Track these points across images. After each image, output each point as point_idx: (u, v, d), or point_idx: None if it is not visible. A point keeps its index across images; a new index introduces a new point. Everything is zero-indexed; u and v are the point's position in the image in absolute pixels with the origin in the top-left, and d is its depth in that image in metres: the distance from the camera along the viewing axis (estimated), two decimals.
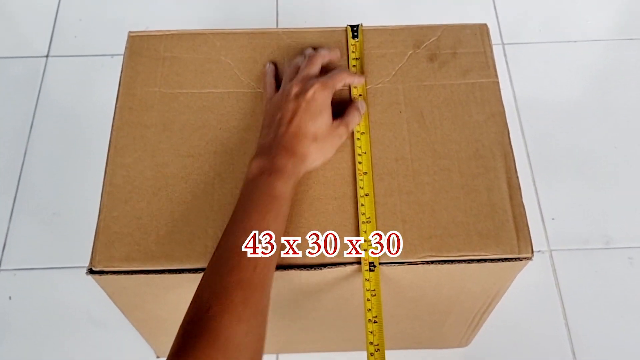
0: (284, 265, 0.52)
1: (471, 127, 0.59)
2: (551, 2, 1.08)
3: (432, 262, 0.53)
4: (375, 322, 0.52)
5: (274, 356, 0.78)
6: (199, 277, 0.52)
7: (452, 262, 0.52)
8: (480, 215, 0.54)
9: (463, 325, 0.69)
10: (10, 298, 0.81)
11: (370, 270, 0.53)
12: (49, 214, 0.87)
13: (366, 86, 0.61)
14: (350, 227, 0.54)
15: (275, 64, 0.62)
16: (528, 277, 0.79)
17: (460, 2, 1.07)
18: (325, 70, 0.60)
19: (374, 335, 0.52)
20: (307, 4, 1.09)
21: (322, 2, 1.10)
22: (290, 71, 0.60)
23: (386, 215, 0.54)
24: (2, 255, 0.83)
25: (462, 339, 0.74)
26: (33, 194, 0.88)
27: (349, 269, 0.53)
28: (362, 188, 0.56)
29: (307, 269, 0.52)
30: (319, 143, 0.54)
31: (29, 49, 1.02)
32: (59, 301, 0.80)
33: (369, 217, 0.54)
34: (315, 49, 0.63)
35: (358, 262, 0.53)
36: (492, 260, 0.53)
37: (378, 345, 0.52)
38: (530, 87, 0.94)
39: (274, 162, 0.51)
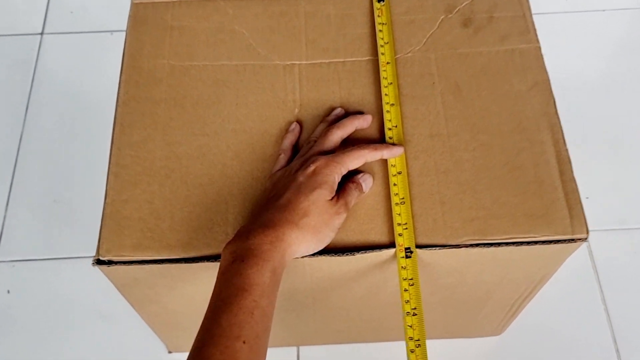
0: None
1: (512, 98, 0.53)
2: None
3: (476, 245, 0.48)
4: (414, 314, 0.47)
5: (294, 349, 0.73)
6: (218, 266, 0.48)
7: (498, 245, 0.48)
8: (527, 193, 0.49)
9: (500, 313, 0.64)
10: (8, 292, 0.75)
11: (407, 257, 0.48)
12: (49, 201, 0.81)
13: (395, 55, 0.56)
14: (382, 210, 0.49)
15: (301, 126, 0.53)
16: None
17: None
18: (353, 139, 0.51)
19: (413, 330, 0.47)
20: None
21: None
22: (306, 146, 0.51)
23: (423, 196, 0.49)
24: None
25: (497, 327, 0.70)
26: (31, 180, 0.83)
27: (384, 254, 0.48)
28: (394, 166, 0.51)
29: (337, 255, 0.47)
30: (310, 220, 0.44)
31: (22, 27, 0.96)
32: (62, 294, 0.75)
33: (403, 198, 0.49)
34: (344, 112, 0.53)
35: (392, 245, 0.48)
36: (542, 242, 0.48)
37: (419, 340, 0.47)
38: (558, 59, 0.88)
39: (247, 244, 0.42)
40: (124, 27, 0.95)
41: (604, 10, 0.97)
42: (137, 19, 0.58)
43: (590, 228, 0.80)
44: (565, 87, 0.87)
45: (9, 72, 0.92)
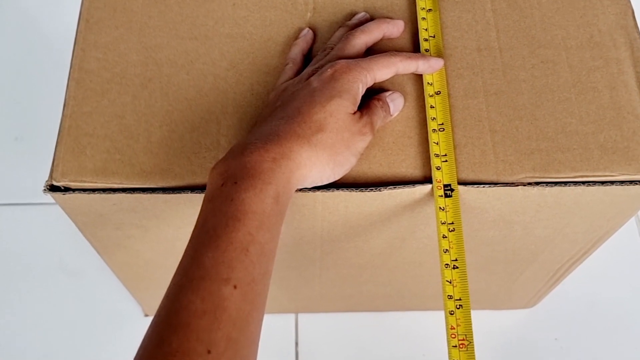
0: (323, 185, 0.37)
1: (581, 7, 0.43)
2: None
3: (537, 183, 0.37)
4: (455, 267, 0.37)
5: (292, 316, 0.63)
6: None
7: (564, 184, 0.37)
8: (602, 121, 0.39)
9: (541, 280, 0.54)
10: None
11: (447, 195, 0.37)
12: (10, 138, 0.70)
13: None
14: (415, 138, 0.39)
15: (315, 33, 0.42)
16: None
17: None
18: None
19: (454, 287, 0.37)
20: None
21: None
22: (321, 53, 0.40)
23: (468, 122, 0.39)
24: None
25: (532, 299, 0.60)
26: None
27: (417, 192, 0.38)
28: (432, 84, 0.40)
29: (358, 190, 0.37)
30: (327, 137, 0.34)
31: None
32: (22, 243, 0.65)
33: (442, 124, 0.39)
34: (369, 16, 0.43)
35: (428, 181, 0.37)
36: (620, 182, 0.37)
37: (460, 300, 0.37)
38: None
39: (242, 162, 0.32)
40: None
41: None
42: None
43: None
44: None
45: None
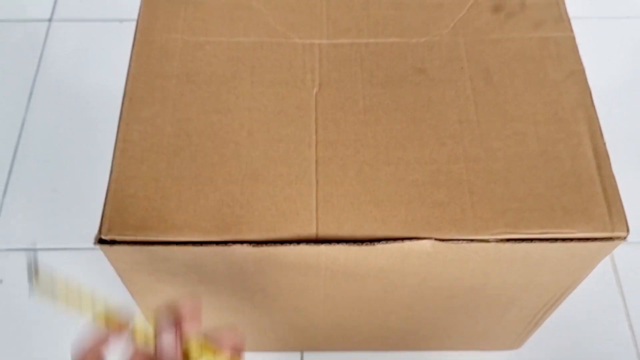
0: (326, 239, 0.43)
1: (547, 87, 0.50)
2: None
3: (508, 240, 0.44)
4: None
5: (298, 354, 0.69)
6: (227, 251, 0.44)
7: (532, 240, 0.44)
8: (564, 186, 0.45)
9: (522, 322, 0.60)
10: (1, 281, 0.72)
11: None
12: (48, 190, 0.78)
13: (422, 38, 0.53)
14: (405, 197, 0.45)
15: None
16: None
17: None
18: None
19: None
20: None
21: None
22: None
23: (450, 184, 0.46)
24: None
25: (516, 340, 0.66)
26: (30, 168, 0.79)
27: (406, 246, 0.44)
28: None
29: (355, 244, 0.43)
30: None
31: (31, 12, 0.93)
32: None
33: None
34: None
35: (415, 237, 0.44)
36: (579, 239, 0.44)
37: None
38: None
39: None
40: (134, 16, 0.92)
41: (628, 18, 0.94)
42: None
43: None
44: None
45: (14, 57, 0.89)
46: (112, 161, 0.47)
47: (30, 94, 0.85)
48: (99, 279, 0.71)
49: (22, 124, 0.83)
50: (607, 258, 0.74)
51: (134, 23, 0.92)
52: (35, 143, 0.81)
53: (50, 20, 0.92)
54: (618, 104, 0.86)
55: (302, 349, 0.68)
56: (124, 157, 0.47)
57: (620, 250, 0.72)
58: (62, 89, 0.86)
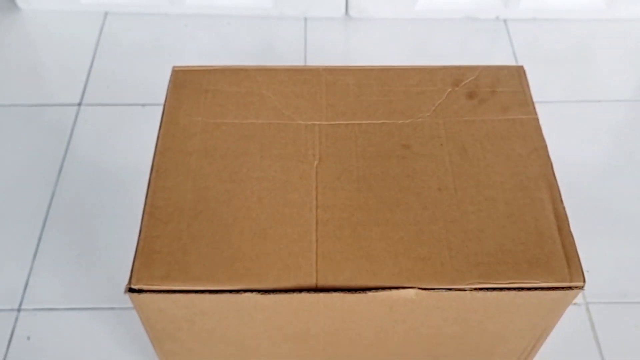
0: (325, 289, 0.51)
1: (514, 160, 0.58)
2: (573, 63, 1.11)
3: (481, 289, 0.51)
4: None
5: None
6: (240, 299, 0.51)
7: (501, 289, 0.51)
8: (529, 243, 0.53)
9: None
10: (28, 338, 0.78)
11: None
12: (74, 255, 0.85)
13: (407, 120, 0.62)
14: (394, 252, 0.53)
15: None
16: (566, 330, 0.77)
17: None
18: None
19: None
20: (334, 48, 1.13)
21: (347, 45, 1.15)
22: None
23: (432, 242, 0.53)
24: (23, 295, 0.81)
25: None
26: (58, 235, 0.87)
27: (394, 294, 0.51)
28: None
29: (350, 292, 0.50)
30: None
31: (62, 97, 1.04)
32: (79, 342, 0.78)
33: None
34: None
35: (403, 287, 0.51)
36: (542, 288, 0.51)
37: None
38: (557, 146, 0.95)
39: None
40: (155, 101, 1.03)
41: (599, 101, 1.04)
42: (177, 82, 0.65)
43: (591, 300, 0.83)
44: (567, 170, 0.92)
45: (46, 137, 0.99)
46: (141, 222, 0.54)
47: (60, 170, 0.94)
48: (117, 335, 0.77)
49: (52, 197, 0.91)
50: (585, 317, 0.80)
51: (155, 107, 1.03)
52: (63, 214, 0.90)
53: (79, 104, 1.03)
54: (581, 175, 0.94)
55: None
56: (151, 219, 0.55)
57: (597, 309, 0.79)
58: (89, 166, 0.95)
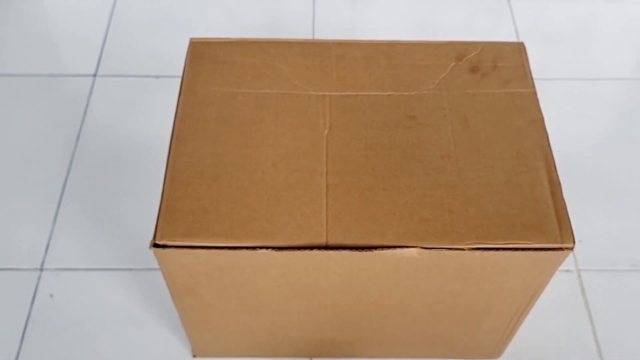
0: (334, 246, 0.55)
1: (513, 131, 0.62)
2: (573, 41, 1.14)
3: (479, 249, 0.55)
4: None
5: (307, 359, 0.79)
6: (256, 255, 0.55)
7: (497, 249, 0.55)
8: (524, 208, 0.57)
9: (499, 328, 0.70)
10: (51, 296, 0.82)
11: None
12: (92, 219, 0.89)
13: (412, 92, 0.65)
14: (399, 214, 0.57)
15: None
16: (557, 296, 0.81)
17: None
18: None
19: None
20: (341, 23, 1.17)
21: (354, 20, 1.18)
22: None
23: (434, 205, 0.57)
24: (45, 255, 0.86)
25: (496, 347, 0.76)
26: (77, 200, 0.92)
27: (398, 253, 0.55)
28: None
29: (357, 250, 0.54)
30: None
31: (78, 68, 1.07)
32: (99, 301, 0.82)
33: None
34: None
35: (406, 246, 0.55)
36: (535, 249, 0.55)
37: None
38: (556, 121, 0.99)
39: None
40: (168, 73, 1.07)
41: (598, 79, 1.08)
42: (195, 54, 0.68)
43: (583, 267, 0.88)
44: (564, 143, 0.96)
45: (63, 107, 1.02)
46: (164, 184, 0.58)
47: (77, 137, 0.98)
48: (133, 294, 0.82)
49: (71, 163, 0.95)
50: (577, 284, 0.85)
51: (168, 79, 1.06)
52: (81, 179, 0.94)
53: (95, 75, 1.07)
54: (578, 148, 0.98)
55: (311, 355, 0.78)
56: (173, 181, 0.58)
57: (588, 277, 0.83)
58: (106, 134, 0.99)
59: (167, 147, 0.61)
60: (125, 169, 0.95)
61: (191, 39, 0.70)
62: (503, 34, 1.16)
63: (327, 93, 0.66)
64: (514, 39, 1.14)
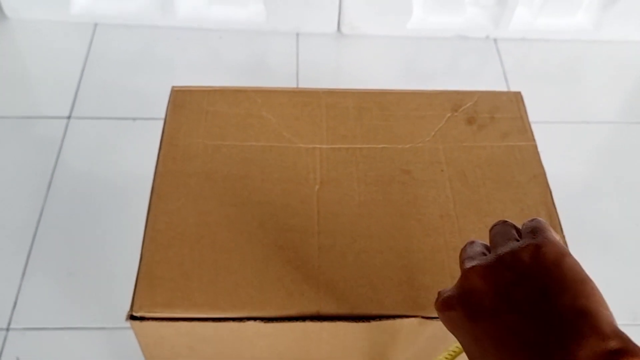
0: (328, 317, 0.50)
1: (514, 187, 0.59)
2: (561, 83, 1.13)
3: None
4: None
5: None
6: (242, 326, 0.51)
7: None
8: None
9: None
10: (18, 359, 0.76)
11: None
12: (64, 273, 0.84)
13: (407, 145, 0.62)
14: (396, 280, 0.53)
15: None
16: None
17: (474, 85, 1.12)
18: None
19: None
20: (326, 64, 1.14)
21: (339, 62, 1.15)
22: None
23: (435, 270, 0.53)
24: (12, 314, 0.80)
25: None
26: (48, 253, 0.86)
27: (397, 323, 0.51)
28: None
29: (352, 321, 0.50)
30: None
31: (51, 110, 1.02)
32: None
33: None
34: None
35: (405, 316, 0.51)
36: None
37: None
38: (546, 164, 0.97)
39: None
40: (146, 115, 1.02)
41: (587, 122, 1.06)
42: (176, 103, 0.64)
43: None
44: (555, 190, 0.94)
45: (36, 151, 0.97)
46: (142, 247, 0.54)
47: (49, 185, 0.93)
48: (103, 356, 0.76)
49: (41, 213, 0.90)
50: None
51: (146, 121, 1.02)
52: (52, 230, 0.88)
53: (69, 117, 1.02)
54: (569, 195, 0.95)
55: None
56: (152, 244, 0.54)
57: None
58: (79, 181, 0.94)
59: (145, 194, 0.57)
60: (99, 219, 0.90)
61: (173, 87, 0.66)
62: (491, 76, 1.14)
63: (317, 145, 0.62)
64: (502, 80, 1.12)
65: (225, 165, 0.60)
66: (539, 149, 0.64)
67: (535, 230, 0.35)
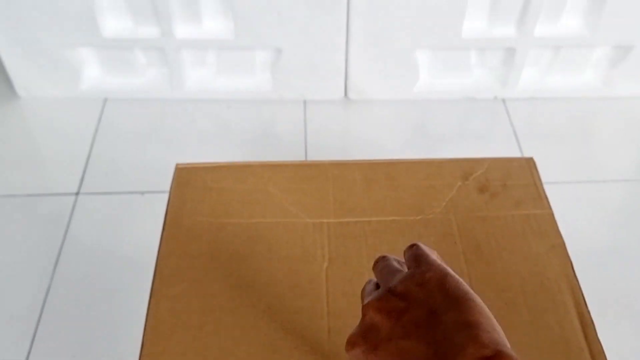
0: None
1: (532, 259, 0.56)
2: (572, 141, 1.11)
3: None
4: None
5: None
6: None
7: None
8: (556, 352, 0.50)
9: None
10: None
11: None
12: (68, 356, 0.81)
13: (418, 216, 0.60)
14: None
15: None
16: None
17: (485, 146, 1.10)
18: None
19: None
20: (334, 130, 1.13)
21: (347, 127, 1.14)
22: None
23: None
24: None
25: None
26: (53, 334, 0.83)
27: None
28: None
29: None
30: None
31: (59, 187, 1.02)
32: None
33: None
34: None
35: None
36: None
37: None
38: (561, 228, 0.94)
39: None
40: (155, 189, 1.01)
41: (604, 181, 1.03)
42: (180, 181, 0.63)
43: None
44: (576, 255, 0.90)
45: (43, 229, 0.96)
46: (143, 337, 0.51)
47: (56, 264, 0.91)
48: None
49: (47, 292, 0.88)
50: None
51: (155, 195, 1.01)
52: (58, 313, 0.86)
53: (77, 193, 1.01)
54: (600, 266, 0.92)
55: None
56: (153, 333, 0.51)
57: None
58: (86, 259, 0.92)
59: (152, 271, 0.54)
60: (107, 297, 0.87)
61: (177, 164, 0.65)
62: (501, 136, 1.12)
63: (325, 220, 0.60)
64: (513, 140, 1.11)
65: (230, 244, 0.58)
66: (554, 209, 0.62)
67: (417, 258, 0.38)
